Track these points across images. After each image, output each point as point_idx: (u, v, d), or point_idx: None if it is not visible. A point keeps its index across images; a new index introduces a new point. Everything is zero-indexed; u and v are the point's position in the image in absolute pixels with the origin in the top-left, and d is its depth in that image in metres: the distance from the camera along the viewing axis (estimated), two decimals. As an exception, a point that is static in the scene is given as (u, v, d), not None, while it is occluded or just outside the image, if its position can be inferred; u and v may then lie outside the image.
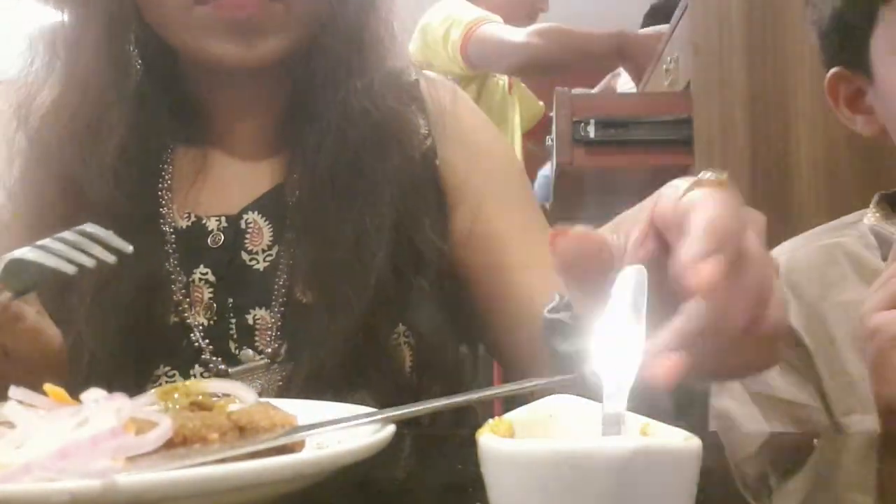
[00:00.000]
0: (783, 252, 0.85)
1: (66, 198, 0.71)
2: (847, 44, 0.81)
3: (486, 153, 0.81)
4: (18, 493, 0.27)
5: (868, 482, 0.48)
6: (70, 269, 0.52)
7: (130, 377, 0.68)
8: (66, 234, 0.53)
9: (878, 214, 0.83)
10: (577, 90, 2.06)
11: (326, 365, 0.67)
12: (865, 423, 0.73)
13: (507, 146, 0.86)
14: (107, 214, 0.68)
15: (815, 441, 0.61)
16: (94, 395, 0.37)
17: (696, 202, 0.37)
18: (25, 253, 0.52)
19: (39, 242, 0.53)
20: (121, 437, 0.31)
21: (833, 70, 0.83)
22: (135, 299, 0.69)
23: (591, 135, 1.73)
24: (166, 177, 0.76)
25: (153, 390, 0.39)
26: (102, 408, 0.34)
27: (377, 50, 0.77)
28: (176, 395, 0.37)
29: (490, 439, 0.29)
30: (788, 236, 0.93)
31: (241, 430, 0.35)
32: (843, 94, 0.84)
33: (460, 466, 0.47)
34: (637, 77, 2.17)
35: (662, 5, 2.84)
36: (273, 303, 0.72)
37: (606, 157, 1.76)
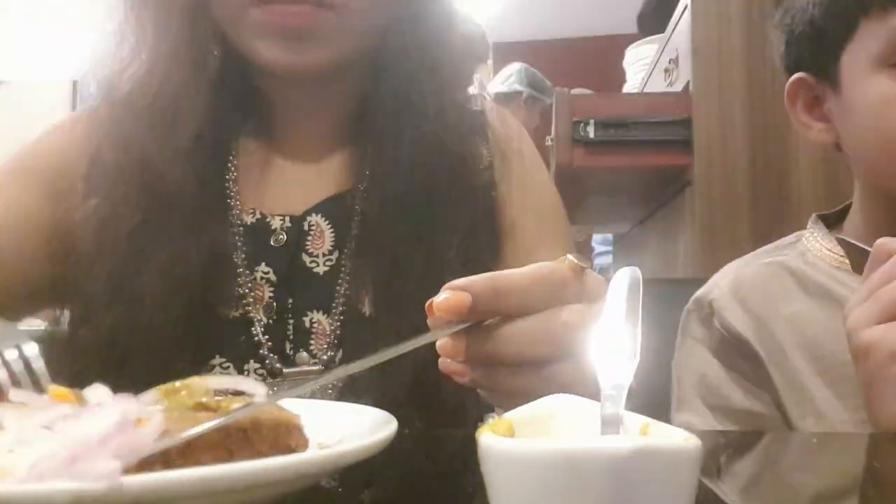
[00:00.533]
0: (729, 272, 0.87)
1: (140, 179, 0.71)
2: (818, 52, 0.80)
3: (540, 194, 0.83)
4: (19, 493, 0.28)
5: (864, 481, 0.48)
6: None
7: (187, 363, 0.68)
8: None
9: (815, 234, 0.86)
10: (577, 90, 2.06)
11: (385, 384, 0.66)
12: (820, 427, 0.75)
13: (553, 186, 0.88)
14: (178, 198, 0.70)
15: (814, 440, 0.61)
16: (98, 395, 0.37)
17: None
18: None
19: None
20: (127, 433, 0.31)
21: (797, 75, 0.83)
22: (202, 285, 0.70)
23: (591, 135, 1.73)
24: (232, 169, 0.77)
25: (155, 388, 0.39)
26: (106, 409, 0.34)
27: (450, 73, 0.78)
28: (183, 393, 0.37)
29: (490, 439, 0.29)
30: (787, 235, 0.93)
31: (245, 431, 0.35)
32: (801, 100, 0.85)
33: (460, 466, 0.47)
34: None
35: (651, 12, 2.85)
36: (332, 309, 0.73)
37: (606, 157, 1.76)
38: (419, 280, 0.69)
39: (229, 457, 0.34)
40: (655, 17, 2.68)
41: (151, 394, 0.38)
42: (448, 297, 0.44)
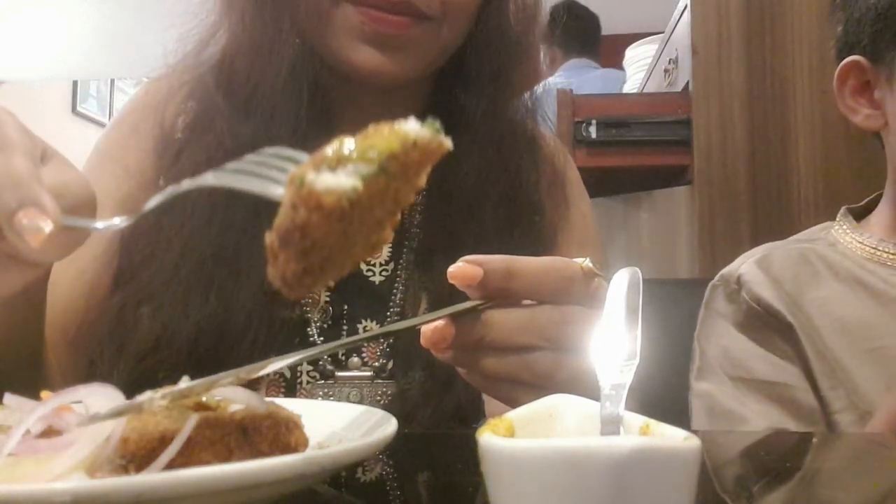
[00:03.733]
0: (757, 252, 0.89)
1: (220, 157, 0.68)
2: (878, 36, 0.82)
3: (583, 224, 0.83)
4: (19, 493, 0.28)
5: (863, 482, 0.48)
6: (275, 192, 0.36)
7: (245, 360, 0.67)
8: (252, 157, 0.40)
9: (844, 226, 0.88)
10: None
11: (434, 397, 0.67)
12: (851, 400, 0.76)
13: (592, 213, 0.87)
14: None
15: (814, 440, 0.61)
16: (93, 391, 0.36)
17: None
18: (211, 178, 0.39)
19: (230, 166, 0.40)
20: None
21: (851, 58, 0.84)
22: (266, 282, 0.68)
23: (593, 135, 1.73)
24: None
25: (152, 391, 0.39)
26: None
27: (516, 94, 0.78)
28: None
29: (490, 439, 0.29)
30: (788, 235, 0.94)
31: (245, 430, 0.35)
32: (851, 83, 0.85)
33: (460, 466, 0.47)
34: None
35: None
36: (386, 319, 0.73)
37: (608, 157, 1.76)
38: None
39: (229, 456, 0.34)
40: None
41: (147, 396, 0.38)
42: (462, 266, 0.46)
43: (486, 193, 0.73)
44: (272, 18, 0.70)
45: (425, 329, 0.46)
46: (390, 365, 0.71)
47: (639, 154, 1.74)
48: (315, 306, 0.72)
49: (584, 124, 1.73)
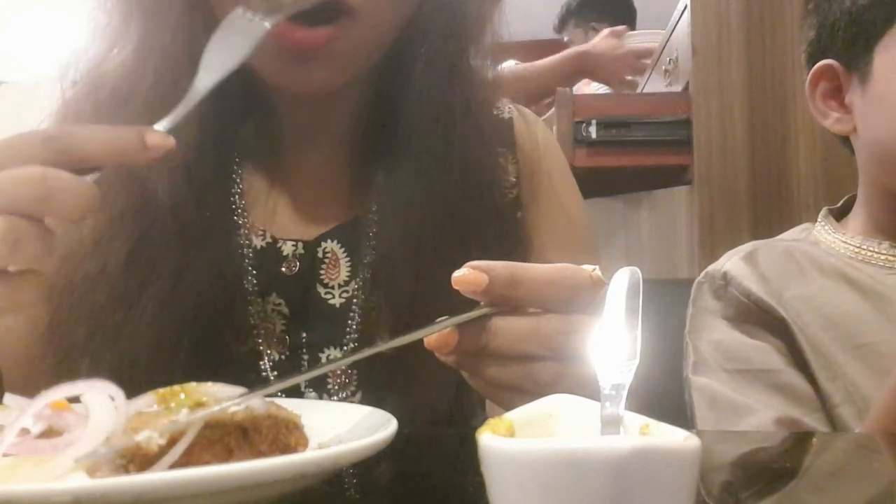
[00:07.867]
0: (741, 250, 0.89)
1: (133, 186, 0.63)
2: (852, 40, 0.82)
3: (569, 217, 0.77)
4: (19, 493, 0.28)
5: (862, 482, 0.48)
6: None
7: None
8: None
9: (826, 227, 0.89)
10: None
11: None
12: (848, 391, 0.77)
13: (581, 203, 0.80)
14: (179, 209, 0.62)
15: (814, 441, 0.61)
16: (92, 387, 0.36)
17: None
18: None
19: None
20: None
21: (824, 62, 0.84)
22: (211, 315, 0.63)
23: (593, 135, 1.73)
24: (238, 181, 0.69)
25: (152, 392, 0.39)
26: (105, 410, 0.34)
27: (472, 78, 0.70)
28: (182, 396, 0.37)
29: (490, 438, 0.29)
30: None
31: (245, 430, 0.35)
32: (821, 88, 0.86)
33: (460, 466, 0.47)
34: (610, 83, 2.17)
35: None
36: (346, 345, 0.67)
37: (608, 157, 1.76)
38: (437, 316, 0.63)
39: (229, 456, 0.34)
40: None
41: (148, 397, 0.38)
42: (467, 273, 0.45)
43: (446, 195, 0.66)
44: (186, 32, 0.62)
45: (428, 340, 0.46)
46: (359, 396, 0.67)
47: (639, 154, 1.74)
48: (270, 336, 0.66)
49: (584, 124, 1.73)
